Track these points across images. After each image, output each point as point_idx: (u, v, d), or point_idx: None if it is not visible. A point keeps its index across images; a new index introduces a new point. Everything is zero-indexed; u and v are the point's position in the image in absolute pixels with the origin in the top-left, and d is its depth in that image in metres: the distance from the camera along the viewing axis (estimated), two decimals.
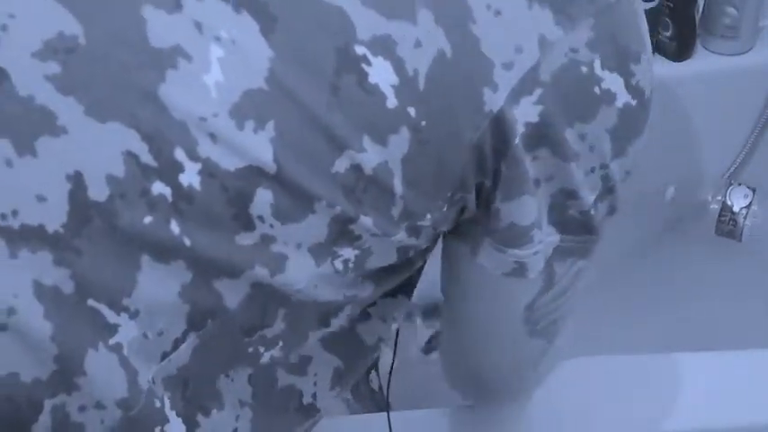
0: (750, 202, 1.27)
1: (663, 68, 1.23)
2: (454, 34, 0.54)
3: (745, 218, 1.27)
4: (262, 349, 0.59)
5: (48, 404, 0.51)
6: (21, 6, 0.51)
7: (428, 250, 0.67)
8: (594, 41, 0.58)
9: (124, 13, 0.51)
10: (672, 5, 1.20)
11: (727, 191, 1.28)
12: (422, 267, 0.68)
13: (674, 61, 1.24)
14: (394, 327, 0.70)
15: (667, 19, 1.21)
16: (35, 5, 0.51)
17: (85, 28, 0.51)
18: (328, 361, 0.65)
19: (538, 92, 0.57)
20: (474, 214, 0.62)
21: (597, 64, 0.58)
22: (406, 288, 0.68)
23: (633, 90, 0.60)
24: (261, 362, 0.60)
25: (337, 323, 0.64)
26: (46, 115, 0.50)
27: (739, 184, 1.28)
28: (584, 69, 0.58)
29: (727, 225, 1.28)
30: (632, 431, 0.90)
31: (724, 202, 1.28)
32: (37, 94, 0.50)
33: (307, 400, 0.64)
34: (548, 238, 0.64)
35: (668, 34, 1.22)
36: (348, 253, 0.57)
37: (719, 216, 1.29)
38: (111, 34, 0.51)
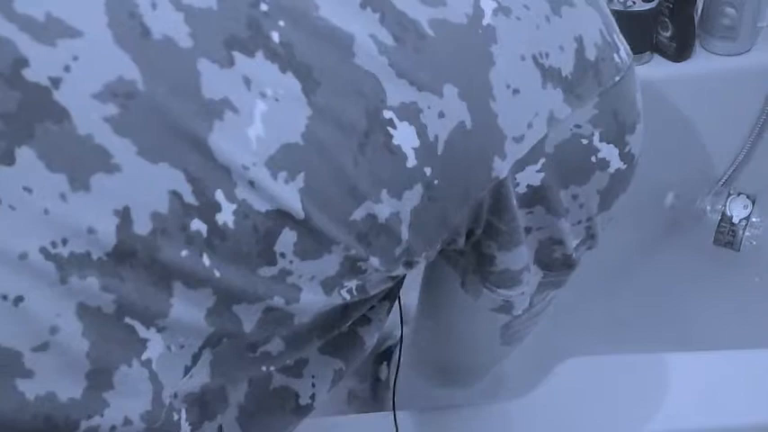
0: (749, 213, 1.27)
1: (662, 69, 1.24)
2: (475, 109, 0.58)
3: (744, 229, 1.26)
4: (264, 368, 0.63)
5: (83, 425, 0.53)
6: (84, 49, 0.53)
7: None
8: (597, 118, 0.62)
9: (181, 64, 0.54)
10: (671, 6, 1.20)
11: (726, 201, 1.28)
12: None
13: (673, 62, 1.24)
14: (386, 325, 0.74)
15: (666, 19, 1.21)
16: (97, 49, 0.53)
17: (144, 75, 0.53)
18: (328, 363, 0.68)
19: (541, 161, 0.61)
20: (460, 248, 0.66)
21: (596, 137, 0.63)
22: (396, 288, 0.73)
23: (625, 157, 0.65)
24: (262, 369, 0.63)
25: (337, 330, 0.67)
26: (102, 154, 0.52)
27: (738, 194, 1.28)
28: (585, 142, 0.62)
29: (726, 236, 1.28)
30: (628, 430, 0.90)
31: (723, 213, 1.27)
32: (95, 134, 0.52)
33: (304, 401, 0.67)
34: (534, 277, 0.70)
35: (667, 35, 1.22)
36: (352, 283, 0.61)
37: (718, 227, 1.28)
38: (167, 83, 0.53)
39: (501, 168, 0.60)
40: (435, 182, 0.59)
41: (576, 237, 0.68)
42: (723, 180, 1.30)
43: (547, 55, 0.60)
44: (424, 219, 0.60)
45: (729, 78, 1.24)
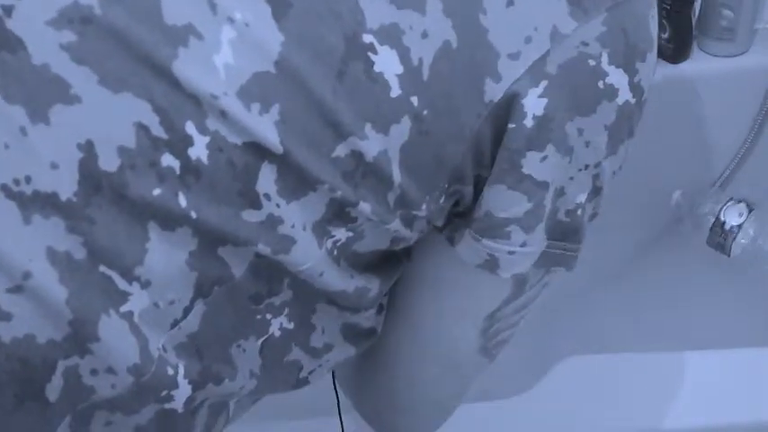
0: (743, 221, 1.26)
1: (659, 70, 1.21)
2: (461, 25, 0.54)
3: (735, 236, 1.26)
4: (269, 317, 0.59)
5: (61, 365, 0.51)
6: None
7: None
8: (605, 36, 0.57)
9: None
10: (668, 8, 1.20)
11: (723, 205, 1.27)
12: None
13: (671, 63, 1.23)
14: None
15: (664, 21, 1.20)
16: None
17: None
18: (346, 350, 0.66)
19: (543, 84, 0.56)
20: (468, 205, 0.61)
21: (605, 59, 0.57)
22: None
23: (635, 88, 0.59)
24: (271, 332, 0.59)
25: (365, 323, 0.64)
26: (60, 84, 0.50)
27: (739, 201, 1.27)
28: (592, 63, 0.57)
29: (718, 238, 1.28)
30: (626, 429, 0.90)
31: (717, 217, 1.27)
32: (52, 63, 0.50)
33: (303, 374, 0.65)
34: (537, 243, 0.62)
35: (665, 36, 1.22)
36: (341, 234, 0.57)
37: (711, 228, 1.28)
38: (126, 7, 0.51)
39: (494, 91, 0.55)
40: (424, 112, 0.54)
41: (580, 188, 0.61)
42: (720, 182, 1.30)
43: None
44: (416, 157, 0.55)
45: (727, 80, 1.24)
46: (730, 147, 1.28)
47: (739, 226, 1.26)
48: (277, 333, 0.60)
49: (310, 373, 0.65)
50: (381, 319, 0.68)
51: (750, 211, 1.26)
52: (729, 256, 1.28)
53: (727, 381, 0.92)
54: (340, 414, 0.83)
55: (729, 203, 1.27)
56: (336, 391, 0.82)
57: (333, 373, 0.80)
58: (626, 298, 1.32)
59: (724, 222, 1.27)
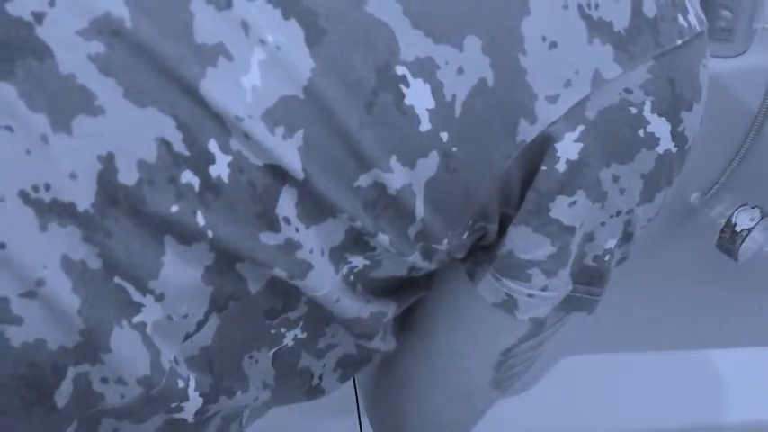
0: (754, 226, 1.26)
1: None
2: (499, 64, 0.53)
3: (743, 239, 1.26)
4: (284, 330, 0.58)
5: (71, 371, 0.51)
6: None
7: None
8: (650, 84, 0.55)
9: (173, 3, 0.50)
10: None
11: (736, 209, 1.27)
12: None
13: None
14: None
15: None
16: None
17: (132, 12, 0.50)
18: (349, 349, 0.64)
19: (580, 128, 0.55)
20: (491, 243, 0.60)
21: (647, 107, 0.56)
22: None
23: (677, 138, 0.58)
24: (284, 343, 0.59)
25: (382, 347, 0.64)
26: (85, 95, 0.49)
27: (753, 207, 1.27)
28: (633, 111, 0.55)
29: (727, 242, 1.28)
30: (625, 428, 0.90)
31: (728, 219, 1.27)
32: (78, 74, 0.49)
33: (315, 381, 0.64)
34: (561, 287, 0.61)
35: None
36: (358, 261, 0.56)
37: (721, 231, 1.28)
38: (157, 23, 0.50)
39: (527, 132, 0.54)
40: (454, 149, 0.53)
41: (611, 234, 0.59)
42: (719, 183, 1.30)
43: (596, 6, 0.54)
44: (442, 194, 0.55)
45: (726, 80, 1.24)
46: (730, 147, 1.28)
47: (749, 230, 1.26)
48: (290, 343, 0.60)
49: (321, 377, 0.64)
50: (393, 339, 0.67)
51: (763, 216, 1.26)
52: (737, 260, 1.28)
53: (727, 380, 0.92)
54: (359, 413, 0.83)
55: (743, 207, 1.27)
56: (356, 390, 0.82)
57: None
58: (626, 298, 1.32)
59: (735, 225, 1.26)
